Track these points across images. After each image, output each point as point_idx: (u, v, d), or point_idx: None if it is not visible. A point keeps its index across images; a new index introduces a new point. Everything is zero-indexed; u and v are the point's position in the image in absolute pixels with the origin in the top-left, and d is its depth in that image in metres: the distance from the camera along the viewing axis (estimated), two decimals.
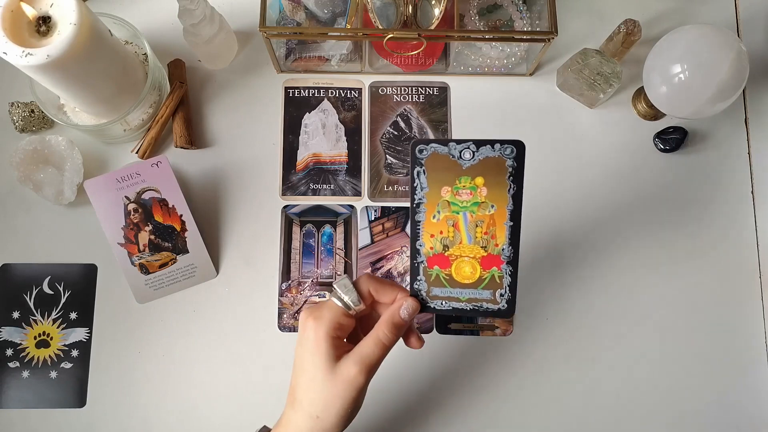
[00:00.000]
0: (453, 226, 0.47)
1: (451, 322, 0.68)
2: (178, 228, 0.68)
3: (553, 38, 0.64)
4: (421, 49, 0.66)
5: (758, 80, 0.73)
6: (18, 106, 0.70)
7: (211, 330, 0.68)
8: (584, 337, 0.68)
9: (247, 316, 0.68)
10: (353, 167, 0.72)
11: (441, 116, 0.73)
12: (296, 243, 0.70)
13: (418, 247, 0.48)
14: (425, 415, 0.66)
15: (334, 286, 0.48)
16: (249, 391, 0.66)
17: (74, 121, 0.68)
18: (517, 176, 0.46)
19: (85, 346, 0.67)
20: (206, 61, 0.73)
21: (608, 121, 0.73)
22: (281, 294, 0.69)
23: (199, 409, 0.66)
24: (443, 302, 0.48)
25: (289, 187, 0.71)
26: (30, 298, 0.68)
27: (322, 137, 0.72)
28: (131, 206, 0.67)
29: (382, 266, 0.69)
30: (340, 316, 0.47)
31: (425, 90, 0.74)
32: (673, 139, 0.71)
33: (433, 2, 0.68)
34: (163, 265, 0.67)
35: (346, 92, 0.74)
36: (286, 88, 0.74)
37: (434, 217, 0.47)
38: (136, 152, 0.69)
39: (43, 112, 0.67)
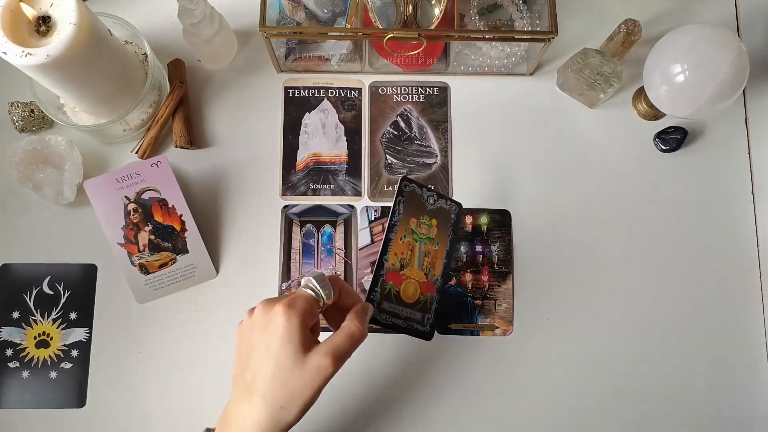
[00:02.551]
0: (411, 250, 0.57)
1: (451, 322, 0.68)
2: (177, 228, 0.68)
3: (553, 38, 0.64)
4: (421, 48, 0.66)
5: (758, 80, 0.73)
6: (18, 106, 0.70)
7: (211, 330, 0.68)
8: (584, 337, 0.68)
9: None
10: (353, 167, 0.72)
11: (441, 116, 0.73)
12: (296, 243, 0.70)
13: (383, 261, 0.56)
14: (426, 415, 0.66)
15: (310, 277, 0.50)
16: None
17: (74, 121, 0.68)
18: (455, 227, 0.60)
19: (84, 346, 0.67)
20: (206, 61, 0.73)
21: (608, 121, 0.73)
22: (281, 294, 0.69)
23: (199, 409, 0.66)
24: (387, 317, 0.55)
25: (289, 187, 0.71)
26: (30, 298, 0.68)
27: (322, 137, 0.72)
28: (131, 206, 0.67)
29: None
30: (314, 306, 0.48)
31: (425, 90, 0.74)
32: (673, 139, 0.71)
33: (433, 2, 0.68)
34: (162, 265, 0.67)
35: (346, 92, 0.74)
36: (286, 88, 0.74)
37: (401, 239, 0.57)
38: (136, 152, 0.69)
39: (42, 111, 0.67)
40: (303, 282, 0.50)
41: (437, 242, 0.59)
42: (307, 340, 0.47)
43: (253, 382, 0.47)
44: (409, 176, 0.65)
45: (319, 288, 0.49)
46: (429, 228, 0.58)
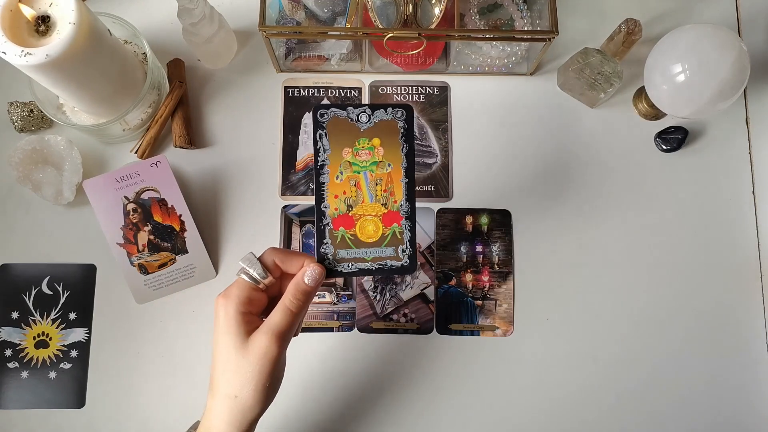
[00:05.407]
0: (355, 185, 0.50)
1: (451, 322, 0.68)
2: (177, 228, 0.68)
3: (553, 37, 0.64)
4: (422, 48, 0.66)
5: (759, 80, 0.73)
6: (17, 106, 0.69)
7: (211, 330, 0.67)
8: (584, 337, 0.68)
9: None
10: None
11: (441, 116, 0.73)
12: (296, 243, 0.70)
13: (323, 209, 0.50)
14: (426, 416, 0.66)
15: (239, 262, 0.49)
16: None
17: (73, 120, 0.68)
18: (408, 137, 0.50)
19: (84, 347, 0.67)
20: (206, 61, 0.73)
21: (609, 121, 0.73)
22: None
23: (199, 409, 0.66)
24: (350, 264, 0.50)
25: (288, 186, 0.71)
26: (29, 299, 0.67)
27: None
28: (130, 206, 0.67)
29: None
30: (249, 291, 0.48)
31: (425, 89, 0.74)
32: (674, 139, 0.71)
33: (434, 1, 0.68)
34: (162, 266, 0.67)
35: (346, 92, 0.73)
36: (286, 88, 0.74)
37: (337, 177, 0.50)
38: (135, 152, 0.69)
39: (42, 111, 0.67)
40: (239, 266, 0.49)
41: (387, 164, 0.50)
42: (248, 326, 0.47)
43: (211, 377, 0.48)
44: (322, 102, 0.57)
45: (249, 269, 0.48)
46: (371, 151, 0.50)
